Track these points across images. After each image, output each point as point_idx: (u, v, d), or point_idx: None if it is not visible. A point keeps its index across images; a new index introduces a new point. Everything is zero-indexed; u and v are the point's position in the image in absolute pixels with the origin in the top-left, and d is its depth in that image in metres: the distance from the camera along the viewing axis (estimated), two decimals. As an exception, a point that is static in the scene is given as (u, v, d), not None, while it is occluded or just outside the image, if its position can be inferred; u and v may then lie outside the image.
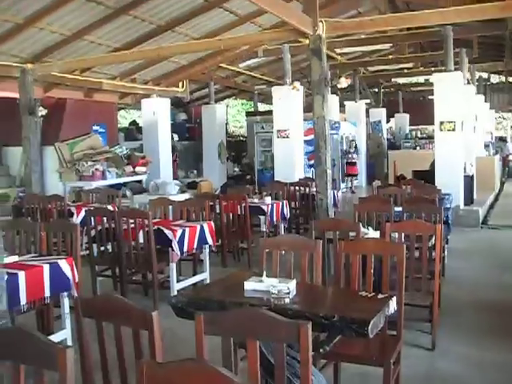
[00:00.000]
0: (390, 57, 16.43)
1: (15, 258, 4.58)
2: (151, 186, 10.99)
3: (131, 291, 6.35)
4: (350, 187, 15.86)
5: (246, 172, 16.83)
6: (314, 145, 8.02)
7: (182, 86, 13.96)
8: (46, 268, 4.40)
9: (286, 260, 3.83)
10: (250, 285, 3.35)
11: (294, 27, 7.41)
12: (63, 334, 4.66)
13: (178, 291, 5.78)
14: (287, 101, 11.50)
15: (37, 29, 9.32)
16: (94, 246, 6.30)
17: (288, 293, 3.11)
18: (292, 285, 3.23)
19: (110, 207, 7.61)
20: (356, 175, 16.22)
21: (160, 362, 2.02)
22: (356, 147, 16.03)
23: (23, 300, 4.19)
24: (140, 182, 11.95)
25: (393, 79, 20.57)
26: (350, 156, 15.83)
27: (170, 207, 7.28)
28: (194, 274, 6.70)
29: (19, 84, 9.58)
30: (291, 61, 11.96)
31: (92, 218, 6.45)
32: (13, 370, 2.01)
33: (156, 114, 13.22)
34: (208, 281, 6.62)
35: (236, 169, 17.52)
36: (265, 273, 3.44)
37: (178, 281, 6.10)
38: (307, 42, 7.80)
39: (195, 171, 15.45)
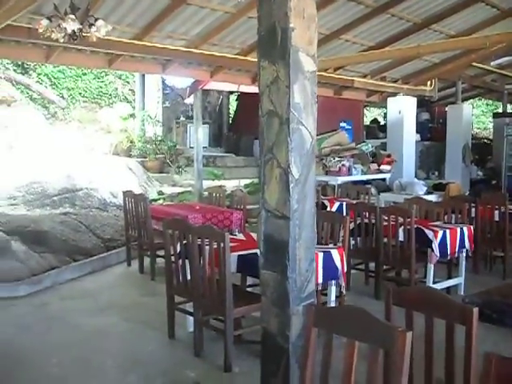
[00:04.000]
0: None
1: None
2: (396, 184, 10.93)
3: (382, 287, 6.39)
4: None
5: (490, 177, 15.91)
6: None
7: (431, 85, 13.62)
8: (320, 256, 4.63)
9: None
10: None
11: None
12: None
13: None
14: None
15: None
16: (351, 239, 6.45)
17: None
18: None
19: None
20: None
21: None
22: None
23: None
24: (384, 180, 11.94)
25: None
26: None
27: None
28: (449, 278, 6.54)
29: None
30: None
31: (350, 212, 6.63)
32: (348, 346, 2.16)
33: (402, 112, 13.09)
34: (463, 286, 6.43)
35: (479, 173, 16.64)
36: None
37: (433, 282, 6.00)
38: None
39: (436, 172, 15.01)
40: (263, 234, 3.00)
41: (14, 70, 15.34)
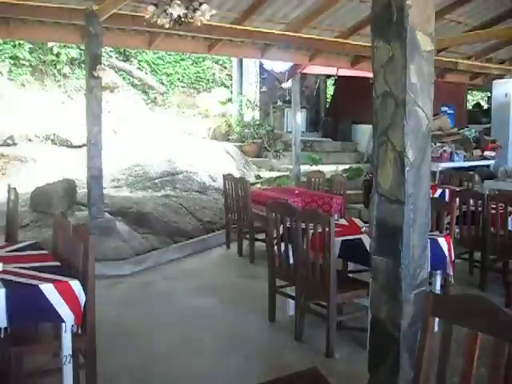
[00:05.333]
0: None
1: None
2: (501, 171, 10.45)
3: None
4: None
5: None
6: None
7: (544, 66, 12.86)
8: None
9: None
10: None
11: None
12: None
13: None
14: None
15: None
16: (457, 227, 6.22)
17: None
18: None
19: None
20: None
21: None
22: None
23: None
24: (487, 166, 11.43)
25: None
26: None
27: None
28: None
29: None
30: None
31: (453, 199, 6.37)
32: (469, 338, 2.07)
33: (509, 95, 12.43)
34: None
35: None
36: None
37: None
38: None
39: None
40: (376, 219, 2.92)
41: (117, 58, 15.87)
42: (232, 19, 8.26)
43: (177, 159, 11.09)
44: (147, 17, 5.31)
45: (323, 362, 4.26)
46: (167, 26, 5.29)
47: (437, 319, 2.26)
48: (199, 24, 5.24)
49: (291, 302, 5.00)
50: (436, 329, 2.31)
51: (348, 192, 8.50)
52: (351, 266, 5.31)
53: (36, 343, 3.42)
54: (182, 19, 5.15)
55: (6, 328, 3.03)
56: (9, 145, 11.17)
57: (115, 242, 7.31)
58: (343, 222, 5.55)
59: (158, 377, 4.07)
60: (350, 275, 5.19)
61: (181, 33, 8.01)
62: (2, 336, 3.04)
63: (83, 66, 10.88)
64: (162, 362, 4.31)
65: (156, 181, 10.42)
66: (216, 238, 8.34)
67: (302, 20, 8.65)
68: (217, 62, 17.52)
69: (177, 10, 5.14)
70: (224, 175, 8.10)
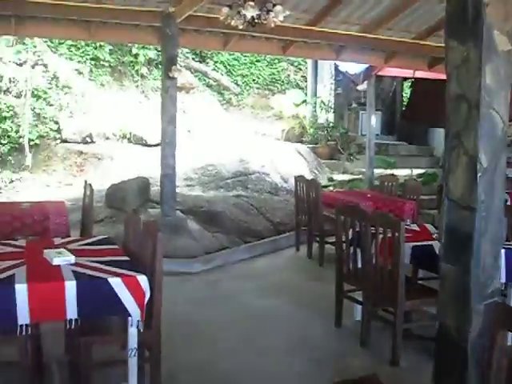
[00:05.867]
0: None
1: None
2: None
3: None
4: None
5: None
6: None
7: None
8: (502, 252, 4.29)
9: None
10: None
11: None
12: None
13: None
14: None
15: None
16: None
17: None
18: None
19: None
20: None
21: None
22: None
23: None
24: None
25: None
26: None
27: None
28: None
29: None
30: None
31: None
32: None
33: None
34: None
35: None
36: None
37: None
38: None
39: None
40: (445, 225, 2.82)
41: (193, 59, 16.13)
42: (307, 21, 8.24)
43: (249, 160, 11.17)
44: (221, 18, 5.37)
45: (388, 369, 4.18)
46: (241, 27, 5.34)
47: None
48: (272, 25, 5.25)
49: (358, 307, 4.93)
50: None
51: (422, 197, 8.30)
52: (422, 273, 5.19)
53: (104, 335, 3.52)
54: (256, 20, 5.18)
55: (76, 320, 3.13)
56: (87, 142, 11.58)
57: (186, 239, 7.43)
58: (415, 227, 5.41)
59: (222, 374, 4.10)
60: (420, 282, 5.06)
61: (255, 34, 8.05)
62: (73, 327, 3.14)
63: (160, 66, 11.11)
64: (225, 359, 4.34)
65: (228, 181, 10.53)
66: (286, 240, 8.33)
67: (377, 21, 8.52)
68: (292, 64, 17.50)
69: (250, 12, 5.17)
70: (295, 177, 8.08)
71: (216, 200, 9.15)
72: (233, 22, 5.32)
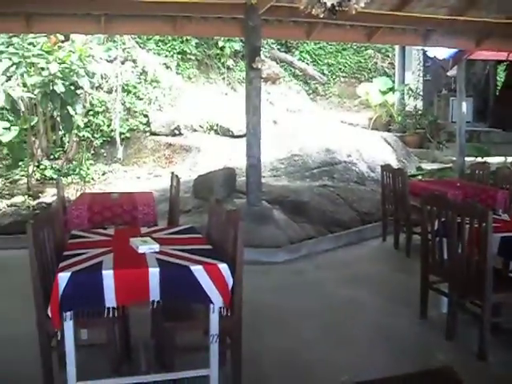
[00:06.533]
0: None
1: None
2: None
3: None
4: None
5: None
6: None
7: None
8: None
9: None
10: None
11: None
12: None
13: None
14: None
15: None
16: None
17: None
18: None
19: None
20: None
21: None
22: None
23: None
24: None
25: None
26: None
27: None
28: None
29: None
30: None
31: None
32: None
33: None
34: None
35: None
36: None
37: None
38: None
39: None
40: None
41: (278, 49, 16.16)
42: (391, 6, 8.04)
43: (336, 149, 11.08)
44: (301, 7, 5.32)
45: (475, 364, 4.05)
46: (322, 15, 5.27)
47: None
48: (353, 12, 5.15)
49: (444, 299, 4.79)
50: None
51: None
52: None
53: (188, 321, 3.63)
54: (337, 8, 5.10)
55: (158, 301, 3.24)
56: (175, 135, 11.89)
57: (271, 229, 7.48)
58: (506, 217, 5.19)
59: (305, 362, 4.12)
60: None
61: (339, 22, 7.96)
62: (155, 307, 3.26)
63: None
64: (308, 348, 4.36)
65: (314, 171, 10.50)
66: (372, 230, 8.21)
67: (467, 2, 8.18)
68: (379, 51, 17.18)
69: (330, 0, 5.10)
70: (382, 166, 7.95)
71: (302, 190, 9.15)
72: (313, 11, 5.26)
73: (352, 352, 4.33)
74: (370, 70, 17.03)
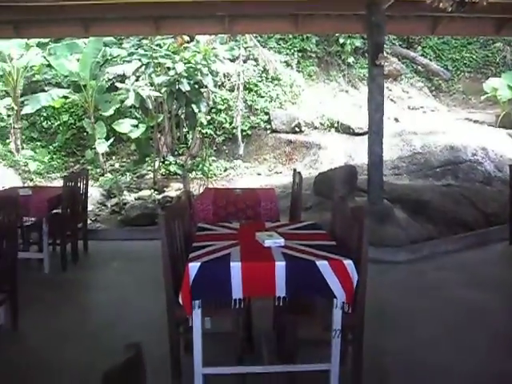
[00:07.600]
0: None
1: None
2: None
3: None
4: None
5: None
6: None
7: None
8: None
9: None
10: None
11: None
12: None
13: None
14: None
15: None
16: None
17: None
18: None
19: None
20: None
21: None
22: None
23: None
24: None
25: None
26: None
27: None
28: None
29: None
30: None
31: None
32: None
33: None
34: None
35: None
36: None
37: None
38: None
39: None
40: None
41: (399, 45, 15.82)
42: (525, -6, 7.61)
43: (460, 148, 10.71)
44: (428, 1, 5.19)
45: None
46: (450, 9, 5.12)
47: None
48: (485, 3, 4.95)
49: None
50: None
51: None
52: None
53: (309, 315, 3.67)
54: (466, 0, 4.93)
55: (284, 297, 3.32)
56: (296, 132, 12.00)
57: (392, 228, 7.38)
58: None
59: (421, 363, 4.03)
60: None
61: (465, 15, 7.65)
62: (281, 304, 3.33)
63: (366, 55, 11.11)
64: (425, 349, 4.25)
65: (437, 169, 10.23)
66: (498, 232, 7.83)
67: None
68: (508, 44, 16.31)
69: (460, -8, 4.93)
70: (510, 165, 7.56)
71: (424, 189, 8.94)
72: (441, 5, 5.11)
73: (470, 359, 4.12)
74: (498, 64, 16.23)
